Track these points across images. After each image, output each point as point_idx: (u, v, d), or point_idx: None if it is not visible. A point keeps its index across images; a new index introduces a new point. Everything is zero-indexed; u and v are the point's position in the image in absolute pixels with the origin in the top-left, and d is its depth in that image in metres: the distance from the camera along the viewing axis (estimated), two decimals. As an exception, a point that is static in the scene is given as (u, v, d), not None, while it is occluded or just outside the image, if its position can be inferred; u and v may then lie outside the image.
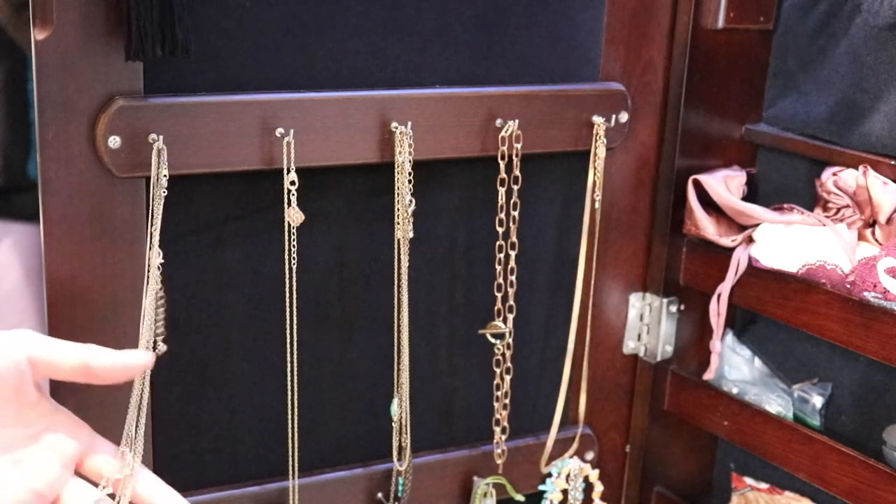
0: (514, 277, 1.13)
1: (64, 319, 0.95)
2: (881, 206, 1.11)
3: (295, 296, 1.02)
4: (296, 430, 1.05)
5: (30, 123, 1.19)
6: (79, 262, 0.95)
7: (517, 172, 1.09)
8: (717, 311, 1.22)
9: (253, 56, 0.99)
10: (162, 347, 0.98)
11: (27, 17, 0.91)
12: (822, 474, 1.14)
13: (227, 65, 0.98)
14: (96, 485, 0.83)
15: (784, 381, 1.26)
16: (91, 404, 0.96)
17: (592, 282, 1.20)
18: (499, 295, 1.13)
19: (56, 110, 0.91)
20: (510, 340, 1.15)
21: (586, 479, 1.25)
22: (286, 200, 0.98)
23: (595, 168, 1.14)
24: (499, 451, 1.18)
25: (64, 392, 0.94)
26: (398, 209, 1.05)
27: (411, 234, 1.05)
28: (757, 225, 1.18)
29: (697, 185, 1.21)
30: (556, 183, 1.18)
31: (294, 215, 0.99)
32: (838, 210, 1.15)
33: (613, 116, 1.14)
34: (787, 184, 1.24)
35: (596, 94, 1.14)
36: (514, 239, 1.12)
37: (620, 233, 1.25)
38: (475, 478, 1.20)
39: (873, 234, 1.13)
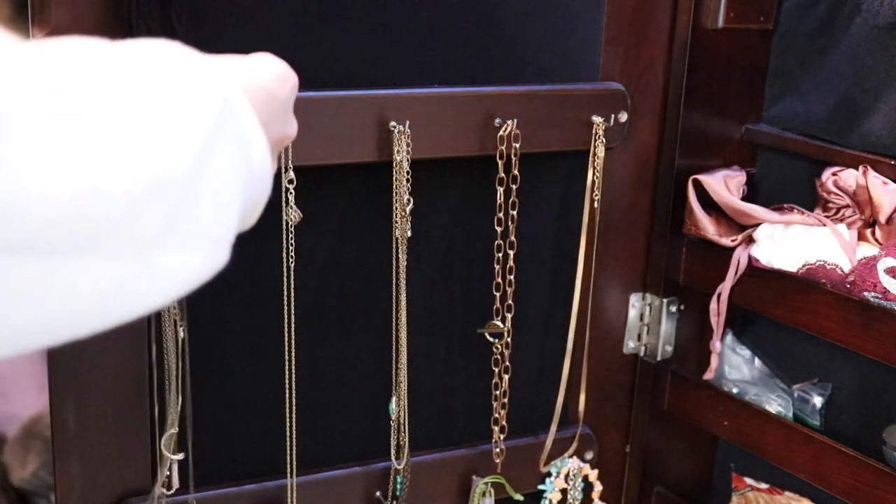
0: (512, 277, 1.13)
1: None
2: (881, 206, 1.10)
3: (293, 294, 1.02)
4: (294, 428, 1.05)
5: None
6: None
7: (516, 172, 1.09)
8: (717, 311, 1.22)
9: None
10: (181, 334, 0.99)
11: (27, 17, 0.91)
12: (822, 474, 1.14)
13: (225, 64, 0.98)
14: None
15: (784, 381, 1.26)
16: (89, 402, 0.97)
17: (591, 281, 1.20)
18: (497, 294, 1.13)
19: (55, 109, 0.91)
20: (508, 340, 1.15)
21: (585, 478, 1.25)
22: (284, 199, 0.98)
23: (594, 168, 1.14)
24: (497, 450, 1.18)
25: (64, 389, 0.95)
26: (396, 208, 1.05)
27: (409, 234, 1.05)
28: (757, 225, 1.18)
29: (697, 184, 1.21)
30: (555, 182, 1.18)
31: (292, 214, 0.99)
32: (838, 210, 1.14)
33: (613, 116, 1.14)
34: (787, 184, 1.24)
35: (595, 93, 1.14)
36: (512, 238, 1.12)
37: (620, 233, 1.25)
38: (474, 477, 1.19)
39: (873, 233, 1.13)
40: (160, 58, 0.51)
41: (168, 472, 1.00)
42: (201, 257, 0.50)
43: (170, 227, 0.47)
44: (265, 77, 0.65)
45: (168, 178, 0.46)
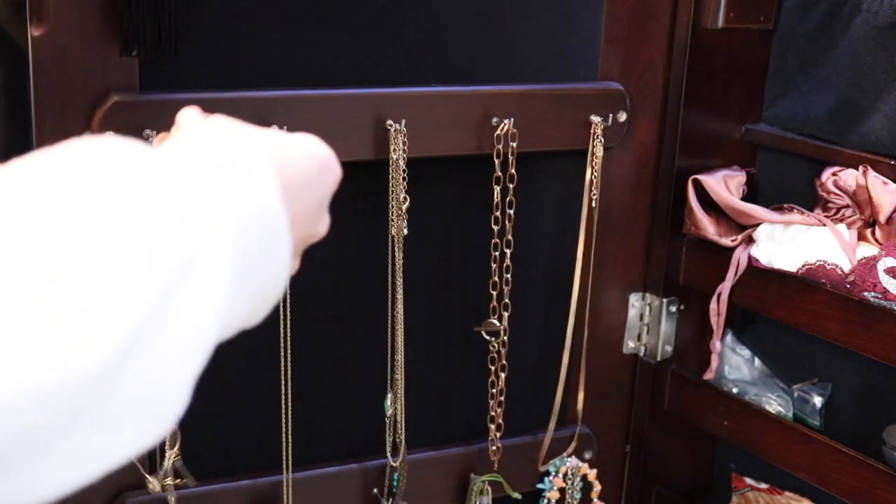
0: (509, 275, 1.13)
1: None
2: (881, 206, 1.10)
3: (289, 292, 1.02)
4: (290, 424, 1.06)
5: (29, 122, 1.20)
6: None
7: (513, 171, 1.10)
8: (717, 311, 1.22)
9: (248, 53, 0.99)
10: None
11: (25, 16, 0.92)
12: (822, 474, 1.14)
13: (222, 62, 0.98)
14: None
15: (784, 381, 1.25)
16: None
17: (590, 280, 1.20)
18: (494, 293, 1.14)
19: (52, 105, 0.92)
20: (505, 338, 1.15)
21: (584, 477, 1.25)
22: (280, 197, 0.99)
23: (592, 167, 1.14)
24: (493, 448, 1.18)
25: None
26: (392, 206, 1.05)
27: (406, 232, 1.06)
28: (757, 225, 1.18)
29: (697, 184, 1.21)
30: (552, 182, 1.18)
31: (288, 211, 1.00)
32: (838, 210, 1.14)
33: (611, 116, 1.14)
34: (787, 184, 1.23)
35: (594, 93, 1.15)
36: (509, 237, 1.12)
37: (620, 233, 1.25)
38: (472, 475, 1.20)
39: (873, 233, 1.12)
40: (90, 191, 0.37)
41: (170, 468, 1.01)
42: (132, 435, 0.39)
43: (78, 422, 0.36)
44: (303, 161, 0.53)
45: (77, 378, 0.35)
